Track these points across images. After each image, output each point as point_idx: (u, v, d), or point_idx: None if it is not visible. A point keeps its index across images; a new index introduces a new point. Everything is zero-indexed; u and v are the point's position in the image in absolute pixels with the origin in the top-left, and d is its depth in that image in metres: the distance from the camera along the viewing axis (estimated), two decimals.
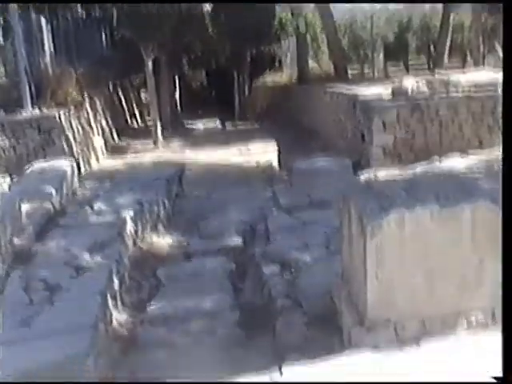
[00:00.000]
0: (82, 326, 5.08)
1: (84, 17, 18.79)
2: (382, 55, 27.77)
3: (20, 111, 12.44)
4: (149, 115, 19.94)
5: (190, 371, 4.82)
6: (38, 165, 10.07)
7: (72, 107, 13.40)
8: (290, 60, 25.75)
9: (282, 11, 23.11)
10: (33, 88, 12.94)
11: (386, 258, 4.43)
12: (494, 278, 4.31)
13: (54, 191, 8.73)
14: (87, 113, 14.79)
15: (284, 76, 24.54)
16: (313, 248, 6.91)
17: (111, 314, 5.80)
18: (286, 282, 6.16)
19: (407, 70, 26.54)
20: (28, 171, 9.76)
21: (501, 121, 10.52)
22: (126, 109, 22.04)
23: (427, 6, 27.62)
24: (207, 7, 22.23)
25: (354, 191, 5.05)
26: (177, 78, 24.43)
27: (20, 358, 4.62)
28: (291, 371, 4.39)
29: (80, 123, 13.79)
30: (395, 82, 12.48)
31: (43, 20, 14.53)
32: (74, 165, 10.63)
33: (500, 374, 3.31)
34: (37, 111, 12.54)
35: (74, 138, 12.96)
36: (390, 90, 11.93)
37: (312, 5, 21.94)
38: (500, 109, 10.46)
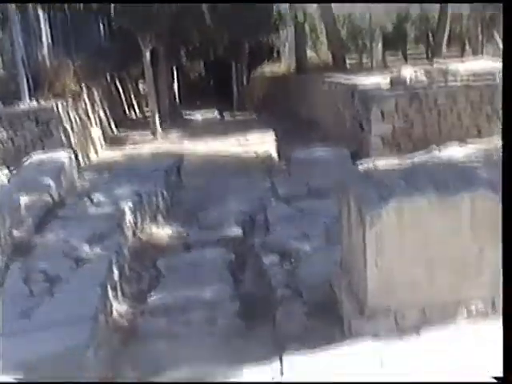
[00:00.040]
0: (82, 317, 5.08)
1: (82, 8, 18.69)
2: (380, 45, 27.66)
3: (18, 103, 12.40)
4: (147, 106, 19.91)
5: (191, 362, 4.83)
6: (37, 157, 10.04)
7: (70, 99, 13.36)
8: (289, 50, 25.65)
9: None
10: (30, 80, 12.90)
11: (386, 247, 4.43)
12: (493, 266, 4.31)
13: (52, 183, 8.71)
14: (85, 104, 14.74)
15: (282, 66, 24.47)
16: (312, 238, 6.91)
17: (111, 305, 5.80)
18: (286, 272, 6.17)
19: (406, 59, 26.43)
20: (26, 163, 9.74)
21: (499, 110, 10.53)
22: (124, 100, 21.99)
23: None
24: None
25: (352, 181, 5.05)
26: (175, 68, 24.38)
27: (20, 349, 4.62)
28: (291, 361, 4.40)
29: (78, 115, 13.75)
30: (394, 71, 12.45)
31: (41, 11, 14.48)
32: (73, 156, 10.60)
33: (500, 373, 3.30)
34: (34, 103, 12.50)
35: (72, 129, 12.92)
36: (388, 80, 11.90)
37: None
38: (498, 98, 10.45)
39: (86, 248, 6.74)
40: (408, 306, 4.53)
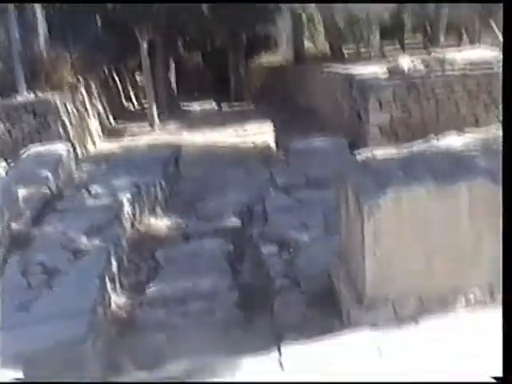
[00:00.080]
0: (80, 309, 5.07)
1: None
2: (377, 34, 27.58)
3: (15, 95, 12.38)
4: (145, 98, 19.87)
5: (189, 353, 4.83)
6: (34, 149, 10.03)
7: (67, 91, 13.34)
8: (286, 40, 25.57)
9: None
10: (27, 72, 12.87)
11: (384, 236, 4.42)
12: (491, 255, 4.31)
13: (50, 175, 8.71)
14: (83, 96, 14.72)
15: (280, 56, 24.41)
16: (310, 228, 6.91)
17: (110, 297, 5.80)
18: (285, 262, 6.17)
19: (403, 48, 26.36)
20: (24, 155, 9.73)
21: (497, 99, 10.52)
22: (121, 92, 21.95)
23: None
24: None
25: (351, 170, 5.04)
26: (172, 60, 24.31)
27: (18, 342, 4.61)
28: (290, 351, 4.40)
29: (76, 107, 13.73)
30: (391, 61, 12.43)
31: (38, 4, 14.42)
32: (71, 148, 10.60)
33: (500, 373, 3.30)
34: (32, 95, 12.48)
35: (70, 121, 12.90)
36: (386, 69, 11.88)
37: None
38: (496, 87, 10.43)
39: (84, 240, 6.73)
40: (406, 295, 4.53)
